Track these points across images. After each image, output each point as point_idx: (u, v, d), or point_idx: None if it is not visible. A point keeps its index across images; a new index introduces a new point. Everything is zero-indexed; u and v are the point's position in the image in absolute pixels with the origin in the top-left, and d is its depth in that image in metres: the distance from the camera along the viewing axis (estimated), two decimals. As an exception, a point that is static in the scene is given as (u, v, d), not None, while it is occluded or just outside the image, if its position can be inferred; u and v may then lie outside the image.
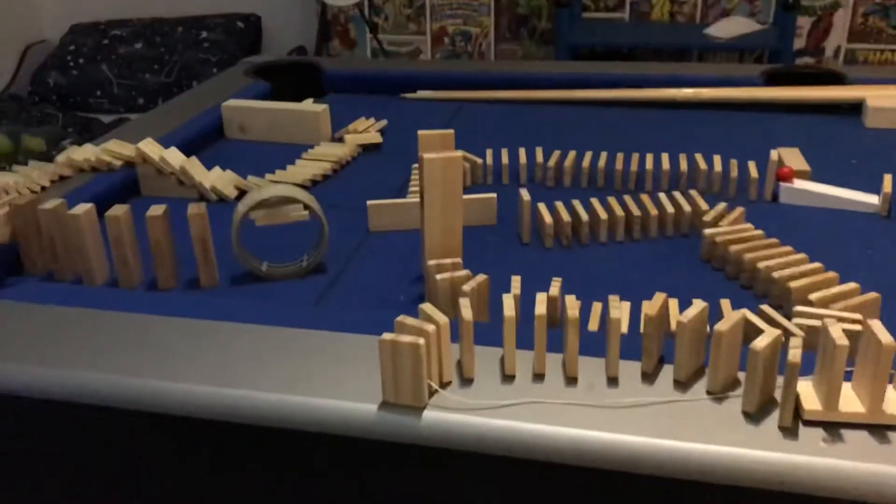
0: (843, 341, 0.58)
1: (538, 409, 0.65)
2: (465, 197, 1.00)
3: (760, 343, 0.61)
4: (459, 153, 0.84)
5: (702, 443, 0.61)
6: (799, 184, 1.10)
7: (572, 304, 0.68)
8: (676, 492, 0.61)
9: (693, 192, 1.06)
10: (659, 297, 0.68)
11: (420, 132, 0.92)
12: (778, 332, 0.62)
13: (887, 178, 1.06)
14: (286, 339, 0.75)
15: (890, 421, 0.60)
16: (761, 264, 0.87)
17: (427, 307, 0.68)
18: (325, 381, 0.69)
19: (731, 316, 0.64)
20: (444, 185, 0.84)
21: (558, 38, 2.72)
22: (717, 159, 1.15)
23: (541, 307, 0.68)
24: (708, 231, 0.95)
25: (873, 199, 1.06)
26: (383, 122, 1.42)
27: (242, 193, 1.14)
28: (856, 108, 1.41)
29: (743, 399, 0.63)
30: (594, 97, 1.53)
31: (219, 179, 1.15)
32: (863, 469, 0.57)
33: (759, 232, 0.95)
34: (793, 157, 1.20)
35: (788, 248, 0.92)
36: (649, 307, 0.67)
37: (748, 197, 1.12)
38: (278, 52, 3.05)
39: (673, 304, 0.80)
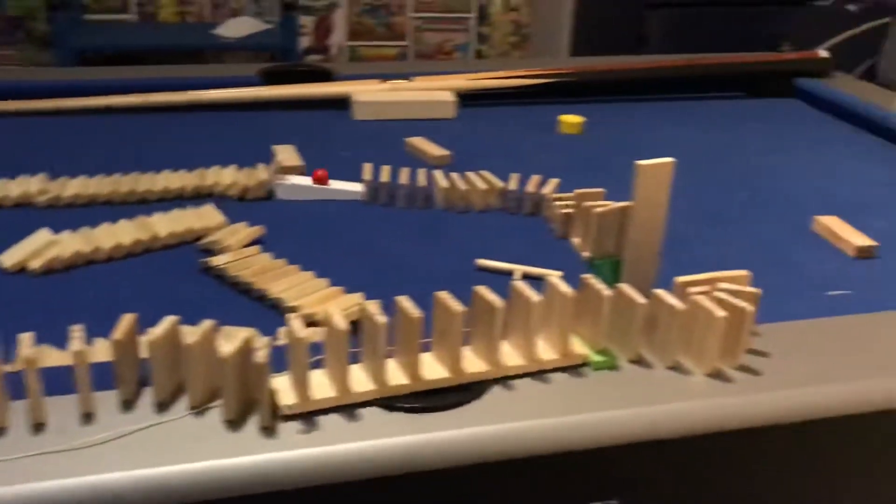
0: (301, 334, 0.61)
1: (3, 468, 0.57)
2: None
3: (226, 350, 0.60)
4: None
5: (183, 462, 0.58)
6: (292, 179, 1.14)
7: (27, 343, 0.61)
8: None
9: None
10: (127, 319, 0.64)
11: None
12: (248, 335, 0.62)
13: (367, 167, 1.15)
14: None
15: (358, 398, 0.64)
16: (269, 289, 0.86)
17: None
18: None
19: (202, 326, 0.63)
20: None
21: (58, 41, 2.51)
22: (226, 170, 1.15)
23: (-11, 353, 0.60)
24: (214, 260, 0.92)
25: (358, 188, 1.14)
26: None
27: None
28: (346, 102, 1.51)
29: (223, 408, 0.63)
30: (88, 105, 1.43)
31: None
32: (335, 451, 0.60)
33: (264, 255, 0.94)
34: (288, 154, 1.24)
35: (291, 267, 0.92)
36: (118, 332, 0.63)
37: (252, 195, 1.13)
38: None
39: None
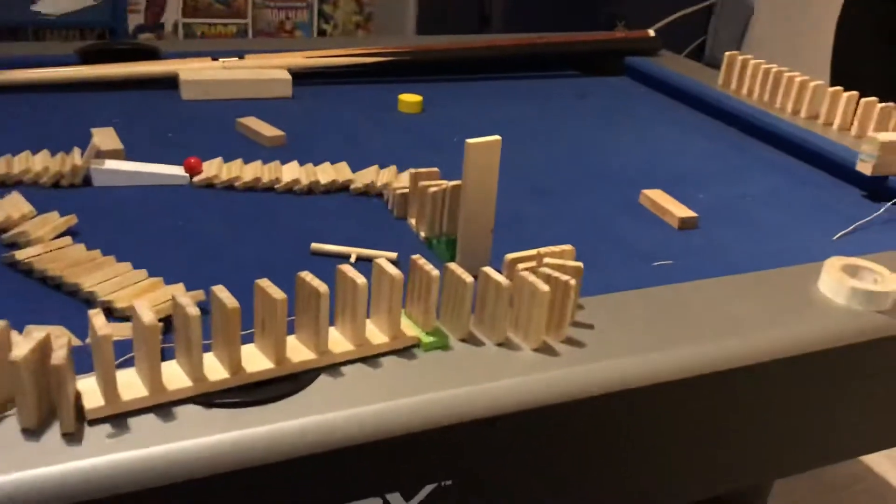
0: (103, 331, 0.56)
1: None
2: None
3: (20, 352, 0.55)
4: None
5: (-26, 478, 0.53)
6: (109, 164, 1.07)
7: None
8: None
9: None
10: None
11: None
12: (43, 335, 0.57)
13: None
14: None
15: (173, 396, 0.60)
16: (81, 282, 0.80)
17: None
18: None
19: (-9, 328, 0.57)
20: None
21: None
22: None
23: None
24: (19, 254, 0.84)
25: (182, 171, 1.08)
26: None
27: None
28: (175, 82, 1.44)
29: (19, 415, 0.57)
30: None
31: None
32: (148, 453, 0.56)
33: (77, 247, 0.87)
34: (107, 137, 1.17)
35: (107, 259, 0.86)
36: None
37: (66, 182, 1.05)
38: None
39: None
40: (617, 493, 0.77)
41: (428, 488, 0.66)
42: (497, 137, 0.81)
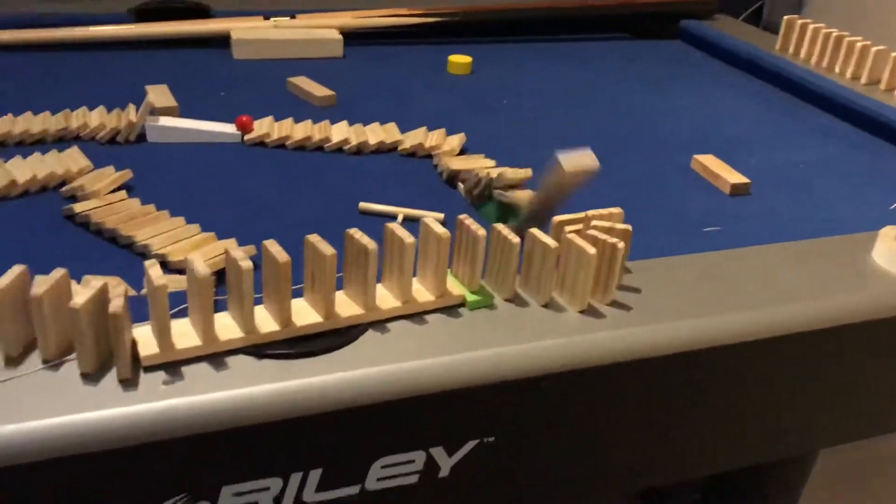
0: (159, 281, 0.58)
1: None
2: None
3: (80, 299, 0.57)
4: None
5: (38, 418, 0.55)
6: (164, 120, 1.09)
7: None
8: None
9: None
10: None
11: None
12: (101, 285, 0.59)
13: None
14: None
15: (225, 347, 0.62)
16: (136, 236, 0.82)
17: None
18: None
19: (53, 275, 0.59)
20: None
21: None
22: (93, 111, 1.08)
23: None
24: (77, 207, 0.86)
25: (234, 129, 1.09)
26: None
27: None
28: (226, 41, 1.45)
29: (78, 361, 0.59)
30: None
31: None
32: (200, 400, 0.58)
33: (132, 201, 0.90)
34: (161, 94, 1.18)
35: (161, 213, 0.87)
36: (-43, 284, 0.58)
37: (121, 138, 1.07)
38: None
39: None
40: (656, 456, 0.78)
41: (471, 444, 0.67)
42: (593, 163, 0.75)
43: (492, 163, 1.03)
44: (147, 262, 0.60)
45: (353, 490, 0.66)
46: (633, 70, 1.53)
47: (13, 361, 0.60)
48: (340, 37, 1.46)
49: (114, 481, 0.58)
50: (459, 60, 1.43)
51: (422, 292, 0.70)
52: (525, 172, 0.91)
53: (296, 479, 0.63)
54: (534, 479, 0.73)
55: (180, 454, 0.58)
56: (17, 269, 0.60)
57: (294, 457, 0.62)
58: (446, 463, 0.67)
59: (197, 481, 0.60)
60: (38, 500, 0.57)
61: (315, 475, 0.64)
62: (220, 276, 0.74)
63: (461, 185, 0.99)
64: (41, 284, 0.58)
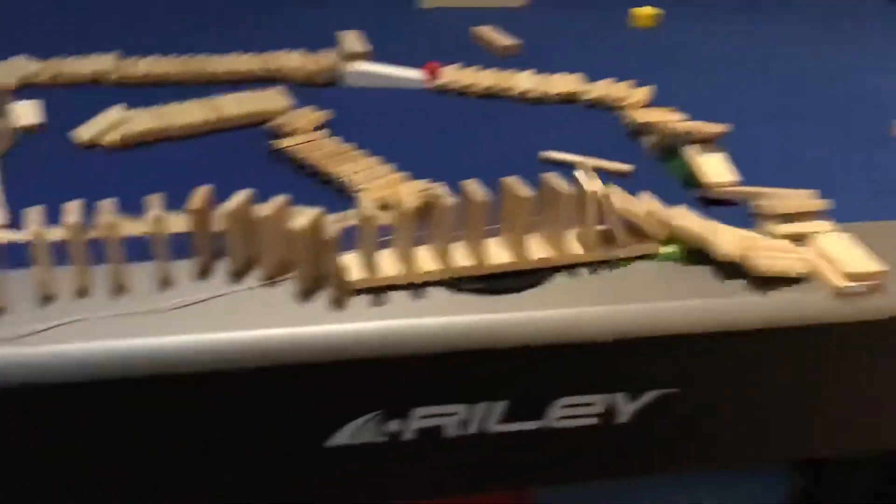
0: (371, 212, 0.61)
1: (85, 327, 0.60)
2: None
3: (300, 223, 0.62)
4: None
5: (258, 328, 0.61)
6: (359, 65, 1.14)
7: (107, 210, 0.63)
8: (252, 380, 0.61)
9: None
10: (202, 191, 0.66)
11: None
12: (318, 211, 0.64)
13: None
14: None
15: (425, 278, 0.65)
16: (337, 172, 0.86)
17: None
18: None
19: (275, 201, 0.64)
20: None
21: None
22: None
23: (73, 216, 0.62)
24: (283, 142, 0.92)
25: (422, 75, 1.13)
26: None
27: None
28: (412, -11, 1.48)
29: (295, 281, 0.64)
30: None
31: None
32: (402, 324, 0.62)
33: (332, 140, 0.94)
34: (354, 40, 1.23)
35: (358, 153, 0.91)
36: (194, 202, 0.65)
37: (319, 81, 1.13)
38: None
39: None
40: (832, 427, 0.76)
41: (653, 393, 0.68)
42: None
43: (682, 116, 1.01)
44: (359, 195, 0.64)
45: (534, 425, 0.68)
46: (833, 28, 1.44)
47: (237, 277, 0.66)
48: (524, -13, 1.47)
49: (321, 393, 0.63)
50: (645, 13, 1.40)
51: (610, 239, 0.71)
52: (719, 128, 0.89)
53: (481, 408, 0.66)
54: (711, 433, 0.73)
55: (380, 373, 0.63)
56: (243, 193, 0.65)
57: (482, 387, 0.65)
58: (628, 408, 0.68)
59: (392, 400, 0.65)
60: (256, 405, 0.63)
61: (499, 406, 0.67)
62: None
63: (648, 139, 0.98)
64: (265, 208, 0.63)
